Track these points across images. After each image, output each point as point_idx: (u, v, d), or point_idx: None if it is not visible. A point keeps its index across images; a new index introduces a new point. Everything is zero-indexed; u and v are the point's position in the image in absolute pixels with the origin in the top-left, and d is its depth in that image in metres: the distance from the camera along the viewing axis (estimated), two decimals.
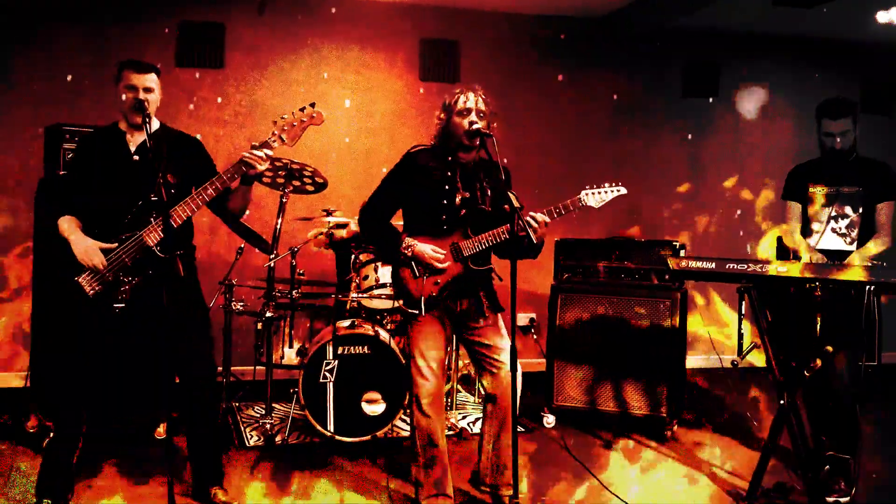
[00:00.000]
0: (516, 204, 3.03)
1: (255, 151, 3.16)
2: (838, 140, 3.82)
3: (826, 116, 3.85)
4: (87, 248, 3.15)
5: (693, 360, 6.25)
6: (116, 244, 3.18)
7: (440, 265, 3.33)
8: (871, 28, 5.87)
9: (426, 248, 3.34)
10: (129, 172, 3.27)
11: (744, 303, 3.18)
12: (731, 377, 6.02)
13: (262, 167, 3.17)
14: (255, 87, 5.83)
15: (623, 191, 3.39)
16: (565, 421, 4.80)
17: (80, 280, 3.19)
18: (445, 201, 3.37)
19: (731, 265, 3.23)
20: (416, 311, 3.33)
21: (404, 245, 3.34)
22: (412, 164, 3.40)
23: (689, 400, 5.30)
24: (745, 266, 3.18)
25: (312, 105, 3.21)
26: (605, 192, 3.36)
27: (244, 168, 3.17)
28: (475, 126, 3.26)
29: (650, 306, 4.66)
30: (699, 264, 3.33)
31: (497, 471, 3.54)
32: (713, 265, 3.29)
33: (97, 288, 3.18)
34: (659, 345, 4.62)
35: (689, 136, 6.72)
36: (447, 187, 3.37)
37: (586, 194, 3.35)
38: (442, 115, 3.38)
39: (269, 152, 3.19)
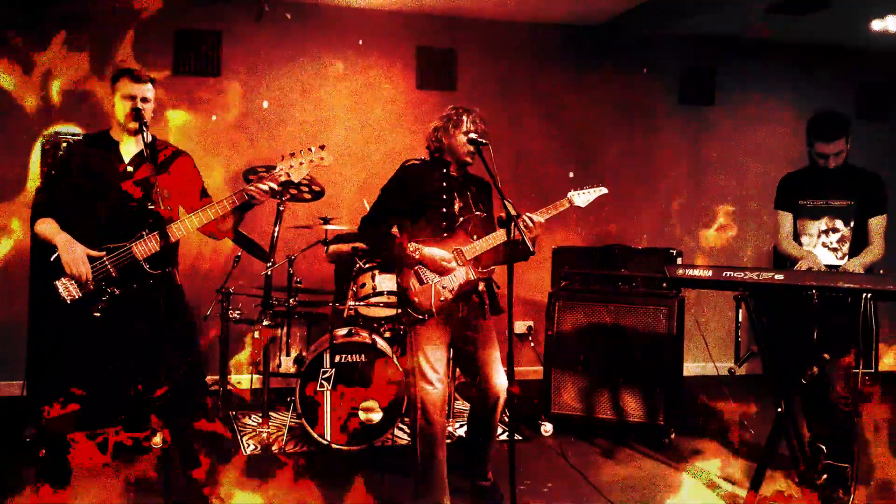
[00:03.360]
0: (513, 211, 3.14)
1: (259, 185, 3.13)
2: (831, 160, 3.81)
3: (819, 139, 3.81)
4: (74, 256, 3.08)
5: (690, 368, 6.25)
6: (104, 253, 3.15)
7: (448, 266, 3.41)
8: (867, 34, 5.89)
9: (434, 252, 3.42)
10: (123, 183, 3.26)
11: (741, 310, 3.18)
12: (729, 385, 6.01)
13: (263, 200, 3.16)
14: (253, 94, 5.84)
15: (604, 190, 3.71)
16: (563, 429, 4.79)
17: (58, 284, 3.12)
18: (444, 209, 3.49)
19: (728, 273, 3.22)
20: (423, 317, 3.43)
21: (411, 249, 3.42)
22: (408, 176, 3.54)
23: (687, 408, 5.29)
24: (742, 273, 3.18)
25: (322, 147, 3.18)
26: (590, 193, 3.67)
27: (246, 198, 3.16)
28: (471, 135, 3.41)
29: (647, 314, 4.66)
30: (696, 272, 3.33)
31: (482, 466, 3.69)
32: (710, 273, 3.29)
33: (76, 295, 3.13)
34: (656, 352, 4.62)
35: (687, 142, 6.73)
36: (444, 196, 3.50)
37: (573, 195, 3.65)
38: (440, 134, 3.51)
39: (274, 186, 3.16)
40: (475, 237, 3.48)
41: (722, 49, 6.67)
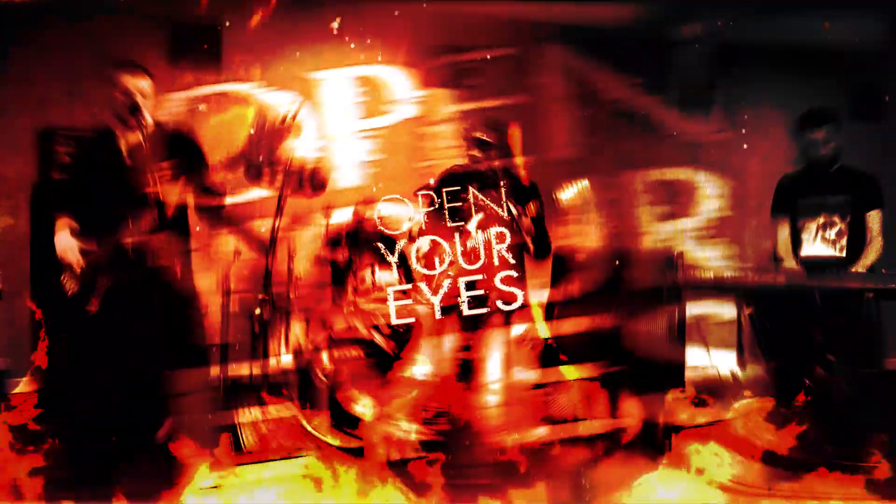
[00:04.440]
0: (514, 211, 3.32)
1: (221, 160, 3.28)
2: (821, 148, 3.91)
3: (808, 125, 3.96)
4: (66, 247, 3.17)
5: (691, 370, 6.25)
6: (95, 244, 3.19)
7: (453, 260, 3.65)
8: (859, 35, 5.93)
9: (443, 246, 3.71)
10: (122, 175, 3.28)
11: (743, 313, 3.19)
12: (731, 387, 6.01)
13: (230, 177, 3.37)
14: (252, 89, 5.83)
15: (584, 183, 3.94)
16: (559, 431, 4.77)
17: (62, 279, 3.22)
18: (462, 206, 3.75)
19: (730, 276, 3.23)
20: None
21: (424, 242, 3.74)
22: (446, 177, 3.92)
23: (689, 411, 5.28)
24: (745, 276, 3.19)
25: (292, 116, 3.24)
26: (572, 188, 3.94)
27: (212, 183, 3.29)
28: (474, 134, 3.74)
29: (648, 316, 4.65)
30: (698, 274, 3.34)
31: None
32: (711, 276, 3.30)
33: (74, 288, 3.18)
34: (656, 354, 4.62)
35: (687, 145, 6.75)
36: (466, 195, 3.76)
37: (557, 193, 3.91)
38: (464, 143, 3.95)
39: (237, 167, 3.31)
40: (488, 235, 3.65)
41: (721, 51, 6.69)
